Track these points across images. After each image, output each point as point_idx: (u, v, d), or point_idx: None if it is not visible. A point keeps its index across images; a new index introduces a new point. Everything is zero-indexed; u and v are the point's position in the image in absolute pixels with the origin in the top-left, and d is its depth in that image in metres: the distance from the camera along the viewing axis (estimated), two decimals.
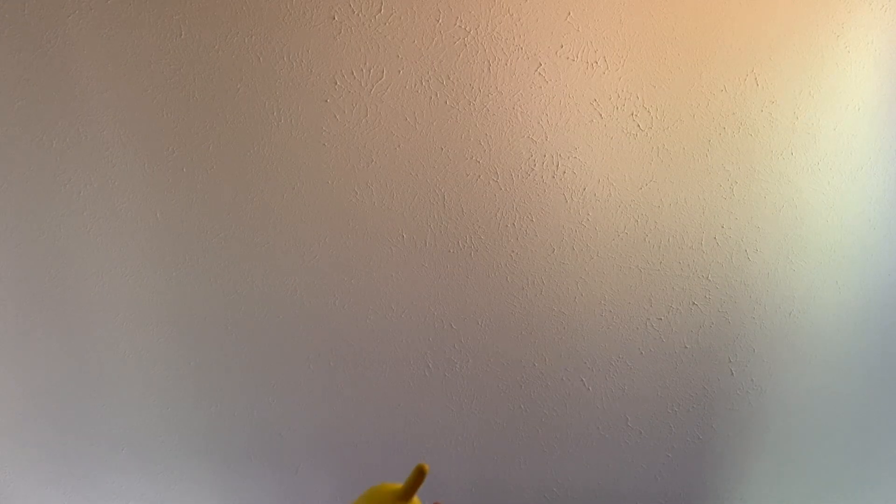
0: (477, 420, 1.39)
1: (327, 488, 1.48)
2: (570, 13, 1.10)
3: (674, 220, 1.23)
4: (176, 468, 1.47)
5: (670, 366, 1.35)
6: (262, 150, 1.17)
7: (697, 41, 1.12)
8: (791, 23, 1.11)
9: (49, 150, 1.16)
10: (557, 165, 1.19)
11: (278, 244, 1.24)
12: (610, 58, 1.12)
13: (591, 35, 1.11)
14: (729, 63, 1.13)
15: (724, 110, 1.16)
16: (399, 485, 0.64)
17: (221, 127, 1.15)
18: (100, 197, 1.20)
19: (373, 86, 1.13)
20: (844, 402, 1.42)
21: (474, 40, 1.11)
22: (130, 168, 1.18)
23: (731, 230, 1.24)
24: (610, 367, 1.35)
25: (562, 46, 1.11)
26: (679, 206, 1.22)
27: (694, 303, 1.30)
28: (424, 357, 1.34)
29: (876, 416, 1.44)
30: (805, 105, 1.16)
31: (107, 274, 1.26)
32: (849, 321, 1.34)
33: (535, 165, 1.19)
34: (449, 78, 1.13)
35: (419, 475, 0.61)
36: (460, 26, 1.10)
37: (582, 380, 1.36)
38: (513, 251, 1.25)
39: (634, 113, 1.16)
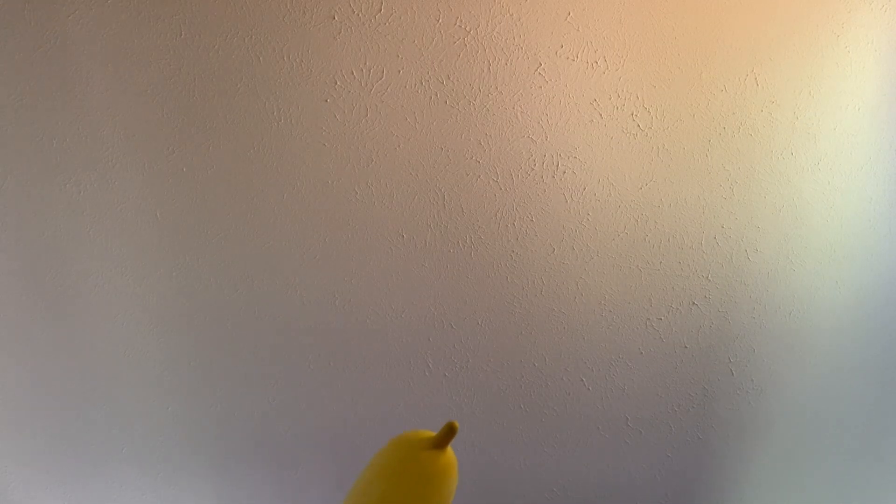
0: (477, 420, 1.40)
1: (327, 487, 1.48)
2: (570, 13, 1.10)
3: (674, 220, 1.23)
4: (176, 467, 1.47)
5: (670, 366, 1.35)
6: (262, 150, 1.17)
7: (697, 41, 1.12)
8: (791, 23, 1.11)
9: (49, 149, 1.16)
10: (557, 165, 1.19)
11: (278, 244, 1.24)
12: (610, 58, 1.12)
13: (591, 35, 1.11)
14: (729, 63, 1.13)
15: (724, 110, 1.16)
16: (427, 432, 0.63)
17: (221, 127, 1.15)
18: (100, 197, 1.20)
19: (373, 86, 1.13)
20: (844, 401, 1.42)
21: (474, 40, 1.11)
22: (130, 168, 1.18)
23: (731, 230, 1.24)
24: (610, 367, 1.35)
25: (562, 46, 1.11)
26: (679, 206, 1.22)
27: (694, 303, 1.30)
28: (424, 357, 1.34)
29: (876, 416, 1.44)
30: (805, 105, 1.16)
31: (107, 274, 1.27)
32: (849, 321, 1.34)
33: (535, 165, 1.19)
34: (449, 78, 1.13)
35: (450, 431, 0.60)
36: (460, 26, 1.10)
37: (582, 380, 1.36)
38: (513, 251, 1.25)
39: (634, 113, 1.16)
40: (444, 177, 1.19)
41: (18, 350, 1.34)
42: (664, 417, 1.40)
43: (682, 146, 1.18)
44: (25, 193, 1.20)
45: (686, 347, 1.34)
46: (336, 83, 1.13)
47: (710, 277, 1.28)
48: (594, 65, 1.13)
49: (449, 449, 0.61)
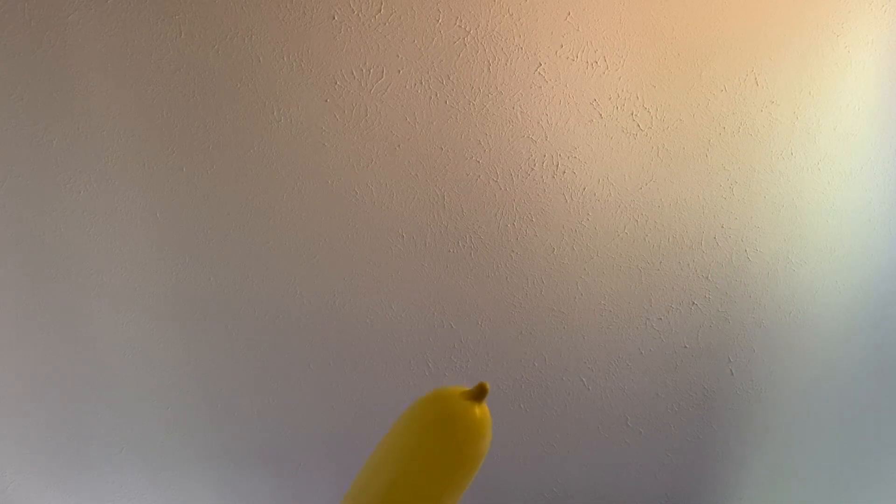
0: None
1: (327, 488, 1.48)
2: (570, 13, 1.10)
3: (674, 220, 1.23)
4: (176, 468, 1.47)
5: (670, 366, 1.35)
6: (262, 150, 1.17)
7: (697, 41, 1.12)
8: (791, 23, 1.11)
9: (49, 149, 1.16)
10: (557, 165, 1.19)
11: (278, 244, 1.24)
12: (610, 58, 1.12)
13: (591, 35, 1.11)
14: (729, 63, 1.13)
15: (724, 110, 1.16)
16: (461, 387, 0.63)
17: (221, 127, 1.15)
18: (100, 197, 1.20)
19: (373, 86, 1.13)
20: (844, 401, 1.42)
21: (474, 40, 1.11)
22: (130, 168, 1.18)
23: (731, 230, 1.24)
24: (610, 367, 1.35)
25: (562, 46, 1.11)
26: (679, 206, 1.22)
27: (694, 303, 1.30)
28: (424, 357, 1.34)
29: (876, 416, 1.44)
30: (805, 105, 1.16)
31: (106, 274, 1.26)
32: (849, 321, 1.34)
33: (535, 165, 1.19)
34: (449, 78, 1.13)
35: (482, 390, 0.61)
36: (460, 26, 1.10)
37: (582, 380, 1.36)
38: (513, 251, 1.25)
39: (634, 113, 1.16)
40: (444, 177, 1.19)
41: (18, 350, 1.34)
42: (664, 417, 1.40)
43: (682, 146, 1.18)
44: (25, 193, 1.20)
45: (686, 347, 1.34)
46: (336, 83, 1.13)
47: (710, 277, 1.28)
48: (594, 65, 1.13)
49: (485, 407, 0.62)
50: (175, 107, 1.14)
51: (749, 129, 1.18)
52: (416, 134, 1.16)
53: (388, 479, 0.62)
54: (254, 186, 1.20)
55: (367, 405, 1.39)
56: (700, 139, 1.18)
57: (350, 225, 1.23)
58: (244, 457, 1.45)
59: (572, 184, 1.20)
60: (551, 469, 1.45)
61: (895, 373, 1.40)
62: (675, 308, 1.30)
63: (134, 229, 1.23)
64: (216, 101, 1.14)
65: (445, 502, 0.62)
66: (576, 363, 1.35)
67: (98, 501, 1.51)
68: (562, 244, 1.25)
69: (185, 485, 1.49)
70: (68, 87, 1.12)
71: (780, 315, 1.32)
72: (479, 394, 0.60)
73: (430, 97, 1.14)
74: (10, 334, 1.33)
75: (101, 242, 1.24)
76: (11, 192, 1.20)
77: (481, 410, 0.61)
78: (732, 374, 1.36)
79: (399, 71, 1.12)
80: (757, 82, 1.15)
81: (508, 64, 1.12)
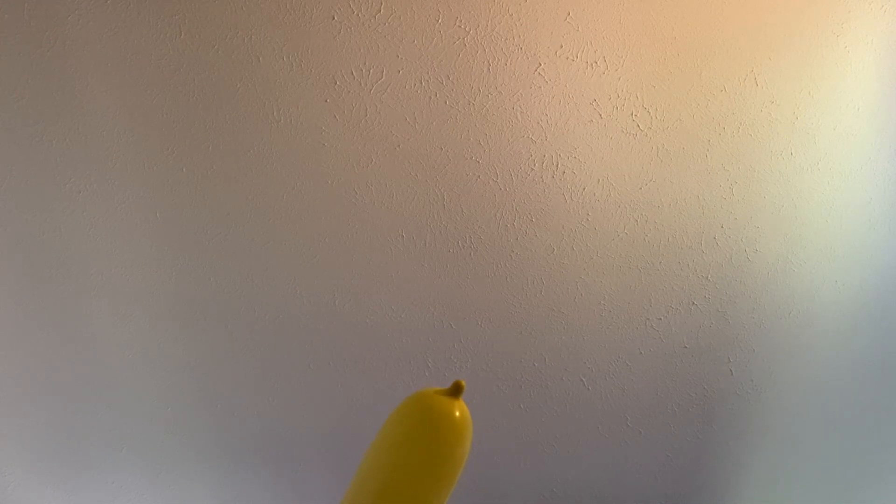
0: (476, 420, 1.39)
1: (327, 488, 1.49)
2: (569, 13, 1.10)
3: (673, 220, 1.23)
4: (176, 468, 1.47)
5: (670, 366, 1.35)
6: (262, 150, 1.17)
7: (697, 41, 1.12)
8: (791, 23, 1.12)
9: (49, 149, 1.16)
10: (557, 165, 1.19)
11: (278, 244, 1.24)
12: (610, 58, 1.12)
13: (591, 35, 1.11)
14: (729, 63, 1.13)
15: (724, 110, 1.16)
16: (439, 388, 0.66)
17: (221, 127, 1.15)
18: (100, 197, 1.20)
19: (373, 86, 1.13)
20: (844, 402, 1.42)
21: (474, 40, 1.11)
22: (130, 168, 1.18)
23: (731, 230, 1.24)
24: (610, 367, 1.35)
25: (562, 46, 1.11)
26: (679, 206, 1.22)
27: (694, 303, 1.30)
28: (424, 357, 1.34)
29: (876, 416, 1.44)
30: (805, 105, 1.16)
31: (106, 274, 1.26)
32: (848, 321, 1.34)
33: (535, 165, 1.19)
34: (449, 78, 1.13)
35: (457, 388, 0.64)
36: (460, 26, 1.10)
37: (582, 380, 1.36)
38: (513, 251, 1.25)
39: (634, 113, 1.16)
40: (444, 177, 1.19)
41: (18, 350, 1.34)
42: (664, 417, 1.40)
43: (682, 146, 1.18)
44: (25, 193, 1.20)
45: (686, 347, 1.34)
46: (336, 83, 1.13)
47: (710, 277, 1.28)
48: (594, 65, 1.13)
49: (462, 402, 0.64)
50: (175, 107, 1.14)
51: (749, 129, 1.18)
52: (416, 134, 1.16)
53: (379, 482, 0.63)
54: (254, 186, 1.20)
55: (366, 405, 1.39)
56: (700, 139, 1.18)
57: (350, 225, 1.23)
58: (244, 457, 1.45)
59: (572, 184, 1.20)
60: (551, 469, 1.45)
61: (895, 373, 1.40)
62: (674, 308, 1.30)
63: (134, 229, 1.23)
64: (216, 101, 1.14)
65: (437, 498, 0.64)
66: (576, 363, 1.35)
67: (98, 501, 1.51)
68: (562, 244, 1.25)
69: (185, 485, 1.49)
70: (68, 87, 1.12)
71: (780, 315, 1.32)
72: (455, 391, 0.63)
73: (430, 97, 1.14)
74: (10, 334, 1.33)
75: (101, 242, 1.24)
76: (11, 192, 1.20)
77: (460, 407, 0.63)
78: (732, 374, 1.36)
79: (399, 71, 1.12)
80: (757, 82, 1.15)
81: (508, 64, 1.12)
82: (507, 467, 1.45)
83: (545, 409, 1.39)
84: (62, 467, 1.47)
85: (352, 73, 1.12)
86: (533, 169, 1.19)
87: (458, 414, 0.64)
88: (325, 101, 1.14)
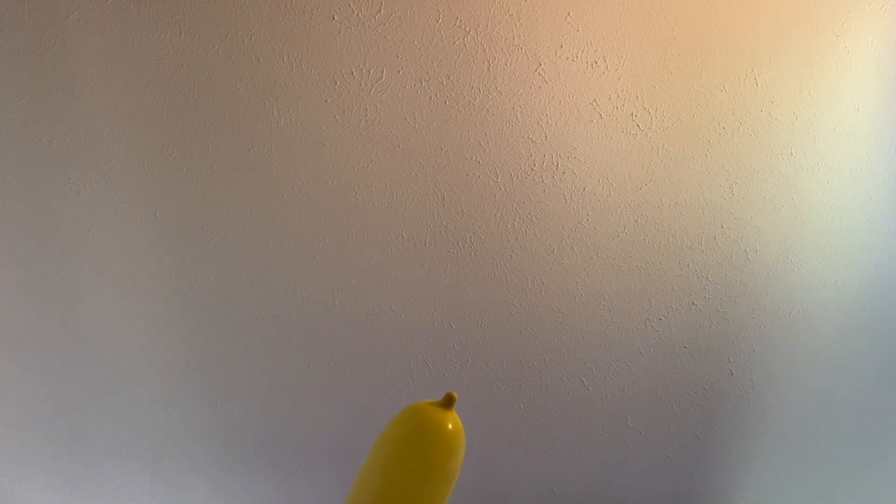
0: (476, 420, 1.39)
1: (327, 488, 1.49)
2: (569, 13, 1.10)
3: (674, 220, 1.23)
4: (175, 467, 1.47)
5: (670, 366, 1.35)
6: (262, 150, 1.17)
7: (697, 41, 1.12)
8: (791, 23, 1.11)
9: (49, 149, 1.16)
10: (557, 165, 1.19)
11: (278, 244, 1.24)
12: (610, 58, 1.12)
13: (591, 35, 1.11)
14: (729, 63, 1.13)
15: (724, 110, 1.16)
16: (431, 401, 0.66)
17: (221, 127, 1.15)
18: (100, 197, 1.20)
19: (373, 86, 1.13)
20: (844, 402, 1.42)
21: (474, 40, 1.11)
22: (130, 168, 1.18)
23: (731, 230, 1.24)
24: (610, 367, 1.35)
25: (562, 46, 1.11)
26: (679, 206, 1.22)
27: (694, 303, 1.30)
28: (424, 357, 1.34)
29: (876, 417, 1.44)
30: (805, 105, 1.16)
31: (106, 274, 1.27)
32: (849, 321, 1.34)
33: (535, 165, 1.19)
34: (449, 78, 1.13)
35: (449, 400, 0.64)
36: (460, 26, 1.10)
37: (582, 380, 1.36)
38: (513, 251, 1.25)
39: (634, 113, 1.16)
40: (444, 177, 1.19)
41: (18, 350, 1.34)
42: (664, 417, 1.40)
43: (682, 146, 1.18)
44: (25, 193, 1.20)
45: (686, 347, 1.34)
46: (336, 83, 1.13)
47: (709, 277, 1.28)
48: (594, 65, 1.13)
49: (454, 413, 0.64)
50: (175, 107, 1.14)
51: (749, 129, 1.18)
52: (416, 134, 1.16)
53: (374, 497, 0.64)
54: (254, 186, 1.20)
55: (366, 405, 1.39)
56: (700, 139, 1.18)
57: (350, 225, 1.23)
58: (244, 457, 1.45)
59: (572, 184, 1.20)
60: (551, 469, 1.45)
61: (895, 373, 1.40)
62: (675, 308, 1.30)
63: (134, 229, 1.23)
64: (216, 101, 1.14)
65: None
66: (576, 363, 1.35)
67: (98, 501, 1.51)
68: (562, 244, 1.25)
69: (186, 485, 1.49)
70: (68, 87, 1.12)
71: (780, 315, 1.32)
72: (447, 402, 0.63)
73: (430, 97, 1.14)
74: (11, 334, 1.33)
75: (101, 242, 1.24)
76: (11, 192, 1.20)
77: (453, 419, 0.63)
78: (732, 374, 1.36)
79: (399, 71, 1.12)
80: (757, 82, 1.15)
81: (508, 64, 1.12)
82: (507, 467, 1.45)
83: (545, 409, 1.39)
84: (62, 467, 1.47)
85: (352, 73, 1.12)
86: (533, 169, 1.19)
87: (450, 426, 0.65)
88: (325, 101, 1.14)
